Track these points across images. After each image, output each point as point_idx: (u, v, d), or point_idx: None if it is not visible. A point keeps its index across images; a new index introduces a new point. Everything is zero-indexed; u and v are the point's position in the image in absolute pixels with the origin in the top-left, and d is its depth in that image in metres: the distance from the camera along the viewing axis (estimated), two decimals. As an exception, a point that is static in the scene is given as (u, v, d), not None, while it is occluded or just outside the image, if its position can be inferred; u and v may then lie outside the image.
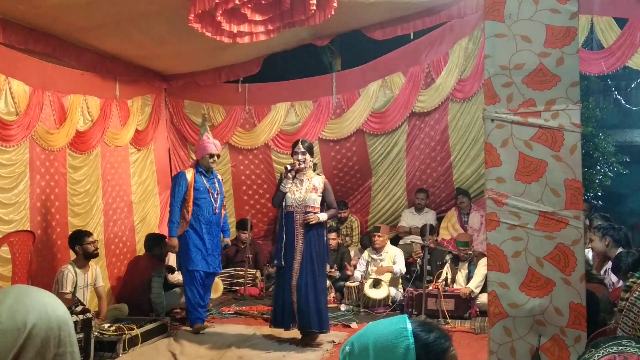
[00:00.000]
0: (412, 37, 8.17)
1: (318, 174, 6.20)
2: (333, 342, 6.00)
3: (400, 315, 1.55)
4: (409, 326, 1.46)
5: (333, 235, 8.22)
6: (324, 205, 6.05)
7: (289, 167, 5.92)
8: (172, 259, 7.56)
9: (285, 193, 5.94)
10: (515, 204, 3.51)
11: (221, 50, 7.68)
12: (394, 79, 8.61)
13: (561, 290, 3.42)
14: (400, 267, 7.52)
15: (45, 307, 1.30)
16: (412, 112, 8.59)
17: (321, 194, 6.00)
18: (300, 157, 5.97)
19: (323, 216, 5.94)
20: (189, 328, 6.48)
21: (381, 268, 7.40)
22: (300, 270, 5.87)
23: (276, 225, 7.36)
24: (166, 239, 7.59)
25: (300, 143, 6.02)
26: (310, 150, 6.07)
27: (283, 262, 5.89)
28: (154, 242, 7.47)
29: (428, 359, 1.43)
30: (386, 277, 7.40)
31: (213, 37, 6.41)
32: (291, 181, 5.95)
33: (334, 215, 6.32)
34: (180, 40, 7.22)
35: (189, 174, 6.49)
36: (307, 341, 5.90)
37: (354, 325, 6.62)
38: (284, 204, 5.96)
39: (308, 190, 5.94)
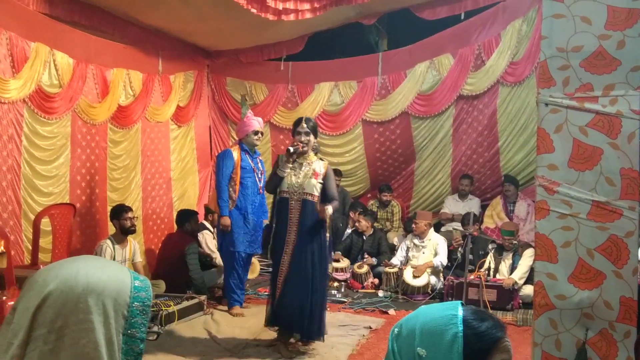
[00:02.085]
0: (462, 17, 7.92)
1: (320, 158, 5.40)
2: (370, 327, 5.89)
3: (454, 301, 1.48)
4: (460, 313, 1.40)
5: (361, 217, 8.05)
6: (324, 195, 5.25)
7: (291, 150, 5.11)
8: (208, 240, 7.52)
9: (282, 178, 5.17)
10: (567, 192, 3.34)
11: (265, 27, 7.58)
12: (442, 60, 8.37)
13: (612, 283, 3.25)
14: (442, 259, 7.32)
15: (77, 275, 1.33)
16: (460, 95, 8.34)
17: (322, 181, 5.21)
18: (303, 137, 5.17)
19: (329, 210, 5.01)
20: (225, 308, 6.44)
21: (421, 266, 7.20)
22: (290, 268, 5.08)
23: None
24: (197, 214, 7.59)
25: (304, 121, 5.23)
26: (314, 130, 5.28)
27: (269, 254, 5.35)
28: (185, 217, 7.45)
29: (478, 348, 1.37)
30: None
31: (258, 14, 6.31)
32: (291, 165, 5.17)
33: (335, 208, 5.23)
34: (224, 16, 7.15)
35: (235, 153, 6.35)
36: (285, 344, 5.19)
37: (391, 311, 6.49)
38: (278, 189, 5.23)
39: (308, 175, 5.15)
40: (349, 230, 8.39)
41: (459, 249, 7.36)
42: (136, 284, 1.40)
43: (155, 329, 1.48)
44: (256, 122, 6.43)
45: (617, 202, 3.25)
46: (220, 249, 6.65)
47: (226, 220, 6.27)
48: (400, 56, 8.68)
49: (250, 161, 6.40)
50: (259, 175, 6.45)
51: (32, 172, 6.11)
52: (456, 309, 1.41)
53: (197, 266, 6.96)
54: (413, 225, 7.52)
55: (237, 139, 6.70)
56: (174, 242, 7.23)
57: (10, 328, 1.30)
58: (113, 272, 1.39)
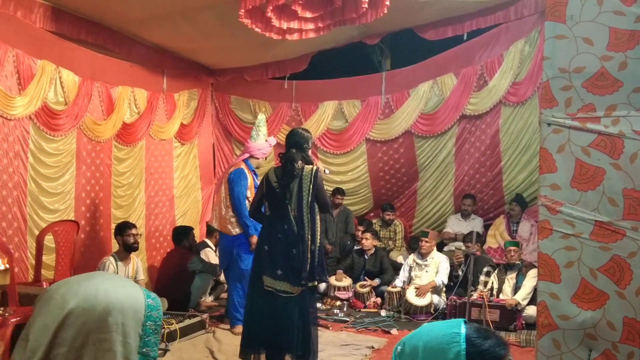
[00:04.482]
0: (465, 37, 7.97)
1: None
2: (372, 347, 5.86)
3: (457, 319, 1.48)
4: (463, 331, 1.40)
5: (367, 235, 8.05)
6: None
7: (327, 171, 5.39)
8: (211, 258, 7.52)
9: None
10: (569, 212, 3.35)
11: (269, 46, 7.64)
12: (445, 79, 8.41)
13: (615, 303, 3.25)
14: (442, 278, 7.30)
15: (96, 293, 1.33)
16: (462, 114, 8.37)
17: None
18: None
19: None
20: (227, 326, 6.42)
21: (424, 286, 7.16)
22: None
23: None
24: (192, 230, 7.61)
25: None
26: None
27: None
28: (182, 234, 7.46)
29: None
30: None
31: (262, 33, 6.35)
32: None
33: None
34: (229, 34, 7.21)
35: (248, 173, 6.36)
36: None
37: (394, 331, 6.46)
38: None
39: None
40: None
41: (460, 266, 7.34)
42: (149, 302, 1.40)
43: (162, 345, 1.49)
44: (271, 149, 6.59)
45: (619, 223, 3.26)
46: (222, 267, 6.65)
47: (254, 239, 6.00)
48: (403, 76, 8.72)
49: (256, 181, 6.43)
50: None
51: (38, 189, 6.14)
52: (459, 327, 1.41)
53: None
54: (421, 244, 7.49)
55: (248, 153, 6.56)
56: (174, 259, 7.22)
57: (27, 345, 1.29)
58: (130, 291, 1.40)
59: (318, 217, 4.94)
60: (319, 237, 4.92)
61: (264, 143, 6.55)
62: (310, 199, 4.81)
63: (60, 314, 1.28)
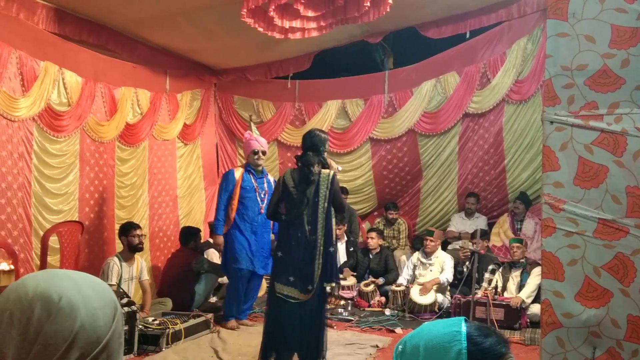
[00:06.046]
0: (467, 36, 7.95)
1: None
2: (377, 346, 5.86)
3: (457, 317, 1.46)
4: (464, 329, 1.38)
5: (373, 234, 8.05)
6: None
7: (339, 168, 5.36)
8: (214, 258, 7.53)
9: None
10: (573, 210, 3.34)
11: (272, 45, 7.63)
12: (448, 78, 8.40)
13: (619, 301, 3.25)
14: (447, 276, 7.30)
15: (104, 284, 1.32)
16: (465, 112, 8.35)
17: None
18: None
19: None
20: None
21: (427, 283, 7.17)
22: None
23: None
24: (200, 232, 7.65)
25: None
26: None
27: None
28: (189, 235, 7.48)
29: None
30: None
31: (265, 32, 6.35)
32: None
33: None
34: (231, 34, 7.21)
35: (237, 172, 6.47)
36: None
37: (398, 330, 6.46)
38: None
39: None
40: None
41: (466, 262, 7.32)
42: None
43: None
44: (255, 142, 6.52)
45: (623, 220, 3.25)
46: (224, 267, 6.70)
47: (218, 239, 6.54)
48: (406, 74, 8.71)
49: (253, 181, 6.44)
50: (262, 196, 6.46)
51: (42, 190, 6.15)
52: (459, 325, 1.40)
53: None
54: (426, 243, 7.48)
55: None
56: (179, 259, 7.24)
57: (76, 348, 1.17)
58: None
59: (334, 221, 4.90)
60: (334, 240, 4.92)
61: (244, 143, 6.82)
62: (326, 205, 4.76)
63: (115, 310, 1.25)
